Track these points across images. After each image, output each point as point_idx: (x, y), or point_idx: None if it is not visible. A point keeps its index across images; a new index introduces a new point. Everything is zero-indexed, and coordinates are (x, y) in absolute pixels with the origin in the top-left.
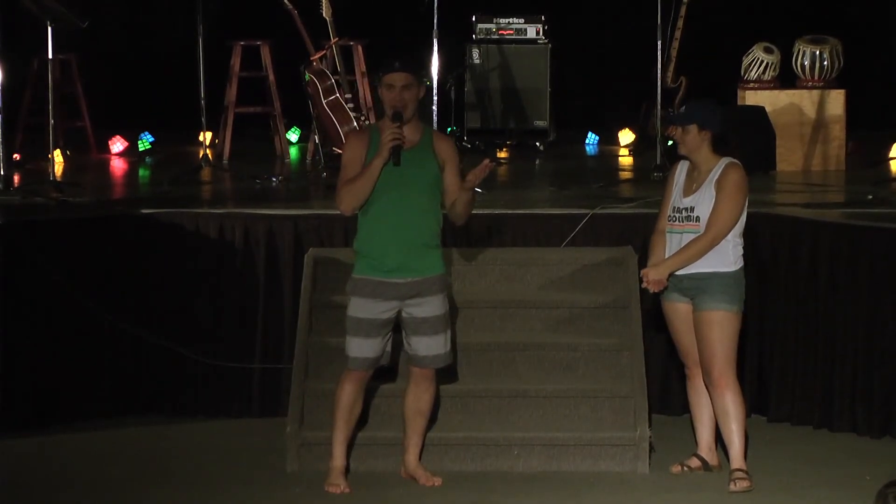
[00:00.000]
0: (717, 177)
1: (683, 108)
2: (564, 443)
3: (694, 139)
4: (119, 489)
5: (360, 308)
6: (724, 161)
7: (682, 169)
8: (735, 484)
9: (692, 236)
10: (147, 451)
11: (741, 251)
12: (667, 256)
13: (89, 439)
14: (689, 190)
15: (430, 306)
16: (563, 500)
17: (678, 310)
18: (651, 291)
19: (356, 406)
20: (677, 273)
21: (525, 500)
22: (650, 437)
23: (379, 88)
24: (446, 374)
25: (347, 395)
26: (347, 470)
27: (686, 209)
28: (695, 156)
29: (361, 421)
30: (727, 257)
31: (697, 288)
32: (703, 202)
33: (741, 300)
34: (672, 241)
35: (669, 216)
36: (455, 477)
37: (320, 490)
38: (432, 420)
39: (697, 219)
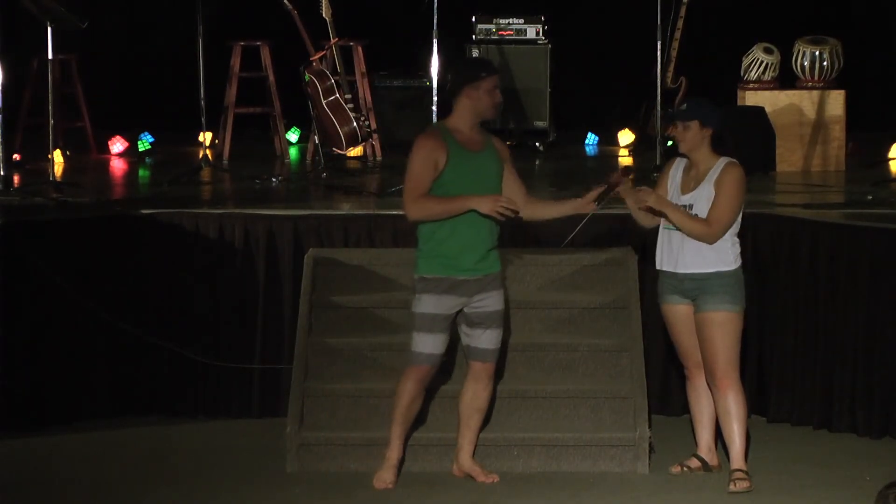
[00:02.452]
0: (716, 175)
1: (685, 105)
2: (564, 443)
3: (695, 136)
4: (119, 490)
5: (432, 305)
6: (724, 160)
7: (678, 166)
8: (735, 484)
9: None
10: (147, 451)
11: (739, 250)
12: (660, 252)
13: (89, 440)
14: (686, 187)
15: (494, 300)
16: (563, 500)
17: (678, 312)
18: (637, 200)
19: (416, 402)
20: (678, 273)
21: (525, 501)
22: (650, 437)
23: (469, 90)
24: (446, 373)
25: (410, 391)
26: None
27: (684, 206)
28: (694, 154)
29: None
30: (727, 256)
31: (699, 289)
32: (702, 200)
33: (742, 299)
34: (669, 237)
35: None
36: (453, 477)
37: (320, 490)
38: (434, 421)
39: (695, 216)
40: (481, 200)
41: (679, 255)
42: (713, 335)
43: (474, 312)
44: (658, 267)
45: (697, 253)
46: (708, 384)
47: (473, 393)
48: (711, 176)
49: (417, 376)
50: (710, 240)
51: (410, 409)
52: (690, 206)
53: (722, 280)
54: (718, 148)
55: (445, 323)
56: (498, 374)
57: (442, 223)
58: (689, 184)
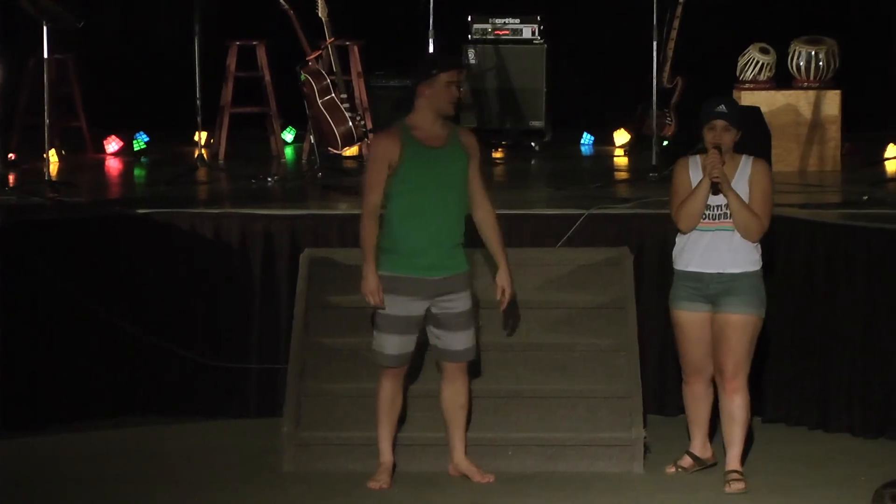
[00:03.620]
0: (748, 173)
1: (723, 105)
2: (561, 443)
3: (733, 138)
4: (117, 489)
5: (394, 306)
6: (748, 158)
7: (693, 168)
8: (730, 485)
9: (728, 234)
10: (144, 451)
11: (761, 250)
12: (687, 253)
13: (86, 440)
14: (715, 187)
15: (461, 301)
16: (560, 500)
17: (695, 320)
18: (714, 163)
19: (397, 403)
20: (708, 274)
21: (521, 500)
22: (645, 437)
23: (423, 87)
24: (439, 372)
25: (387, 392)
26: (394, 467)
27: (718, 206)
28: (726, 155)
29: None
30: (754, 256)
31: (726, 290)
32: None
33: (765, 304)
34: (702, 238)
35: None
36: (451, 477)
37: (317, 490)
38: (430, 420)
39: (731, 215)
40: (364, 282)
41: (712, 254)
42: (735, 337)
43: (442, 314)
44: (683, 268)
45: (733, 252)
46: (716, 383)
47: (452, 392)
48: (742, 174)
49: (389, 377)
50: (759, 233)
51: (392, 411)
52: (726, 205)
53: (749, 281)
54: (738, 147)
55: (410, 324)
56: (495, 374)
57: (400, 221)
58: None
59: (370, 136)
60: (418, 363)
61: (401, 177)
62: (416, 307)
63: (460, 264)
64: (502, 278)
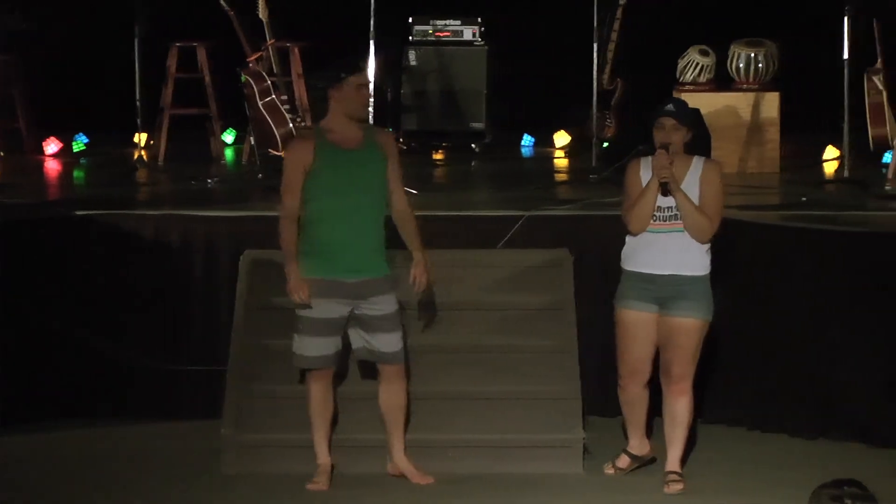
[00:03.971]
0: (699, 173)
1: (671, 105)
2: (502, 444)
3: (682, 138)
4: (51, 494)
5: (314, 308)
6: (700, 158)
7: (644, 168)
8: (670, 486)
9: (679, 235)
10: (83, 454)
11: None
12: (637, 254)
13: (21, 443)
14: (665, 189)
15: (385, 304)
16: (501, 501)
17: (640, 319)
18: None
19: (328, 404)
20: (654, 275)
21: (463, 501)
22: (585, 438)
23: (333, 91)
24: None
25: (316, 395)
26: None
27: (668, 208)
28: (675, 155)
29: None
30: (705, 259)
31: (678, 294)
32: None
33: (713, 307)
34: (654, 240)
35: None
36: (392, 478)
37: (257, 492)
38: (369, 422)
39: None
40: (288, 282)
41: (663, 256)
42: (682, 341)
43: (366, 317)
44: (633, 269)
45: (684, 254)
46: (662, 384)
47: (389, 394)
48: (693, 175)
49: (317, 379)
50: (709, 234)
51: (324, 412)
52: (676, 207)
53: (700, 286)
54: (688, 147)
55: (330, 326)
56: (436, 376)
57: (317, 224)
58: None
59: None
60: (356, 365)
61: (316, 180)
62: (336, 310)
63: (380, 267)
64: (417, 266)
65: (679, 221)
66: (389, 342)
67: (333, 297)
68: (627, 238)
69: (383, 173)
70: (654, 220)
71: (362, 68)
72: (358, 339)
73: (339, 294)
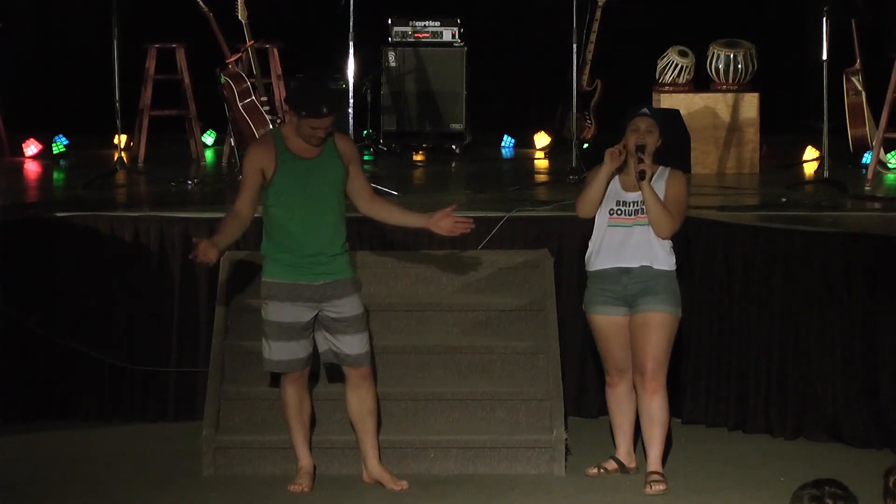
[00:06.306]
0: (665, 177)
1: (647, 109)
2: (481, 445)
3: (655, 142)
4: (31, 496)
5: (280, 312)
6: (665, 168)
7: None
8: (651, 487)
9: (643, 229)
10: (60, 456)
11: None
12: (601, 252)
13: (2, 445)
14: (629, 185)
15: (349, 306)
16: (479, 502)
17: (612, 323)
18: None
19: (304, 406)
20: (622, 270)
21: (441, 503)
22: (566, 439)
23: (293, 114)
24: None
25: (291, 397)
26: (314, 469)
27: (634, 202)
28: (648, 158)
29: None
30: (671, 257)
31: (644, 290)
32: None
33: (680, 303)
34: (618, 234)
35: (613, 209)
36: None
37: (236, 494)
38: (348, 423)
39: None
40: (200, 246)
41: (628, 249)
42: (652, 337)
43: (331, 319)
44: (597, 268)
45: (648, 247)
46: (635, 384)
47: (358, 398)
48: (659, 179)
49: (290, 382)
50: (670, 230)
51: (301, 415)
52: (641, 202)
53: (666, 281)
54: (657, 155)
55: (295, 329)
56: (414, 377)
57: (278, 229)
58: (631, 182)
59: None
60: (337, 366)
61: (275, 187)
62: (300, 313)
63: (343, 270)
64: (437, 218)
65: (643, 216)
66: (354, 344)
67: (298, 300)
68: (590, 240)
69: (342, 180)
70: (619, 215)
71: (325, 114)
72: (323, 341)
73: (303, 297)
